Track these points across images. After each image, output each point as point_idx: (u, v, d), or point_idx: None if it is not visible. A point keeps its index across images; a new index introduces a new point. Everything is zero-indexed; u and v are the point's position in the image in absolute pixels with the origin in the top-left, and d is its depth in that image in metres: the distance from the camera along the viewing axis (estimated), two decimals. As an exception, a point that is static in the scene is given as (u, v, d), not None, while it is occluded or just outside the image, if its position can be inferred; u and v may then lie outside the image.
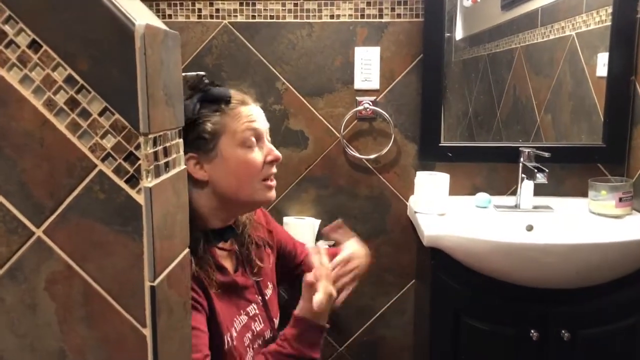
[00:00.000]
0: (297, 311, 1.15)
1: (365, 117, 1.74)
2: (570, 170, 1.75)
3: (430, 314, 1.48)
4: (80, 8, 0.60)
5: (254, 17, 1.70)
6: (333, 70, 1.72)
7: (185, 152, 1.08)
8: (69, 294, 0.64)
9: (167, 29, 0.69)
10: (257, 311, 1.23)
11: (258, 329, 1.22)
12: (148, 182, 0.63)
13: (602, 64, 1.74)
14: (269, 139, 1.17)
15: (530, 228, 1.60)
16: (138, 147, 0.62)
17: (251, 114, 1.12)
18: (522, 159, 1.64)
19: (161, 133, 0.66)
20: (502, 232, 1.55)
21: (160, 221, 0.65)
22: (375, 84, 1.72)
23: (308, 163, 1.76)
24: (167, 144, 0.69)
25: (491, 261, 1.41)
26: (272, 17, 1.70)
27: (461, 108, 1.86)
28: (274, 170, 1.16)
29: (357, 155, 1.75)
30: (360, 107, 1.72)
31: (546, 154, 1.58)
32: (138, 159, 0.62)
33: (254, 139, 1.11)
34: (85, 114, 0.62)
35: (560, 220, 1.60)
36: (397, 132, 1.74)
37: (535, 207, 1.65)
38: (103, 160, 0.62)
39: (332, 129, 1.74)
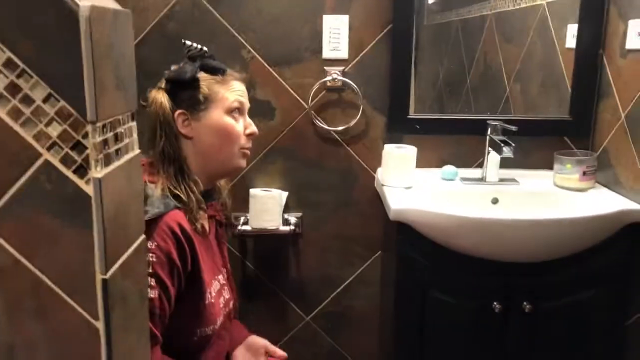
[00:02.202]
0: None
1: (334, 87, 1.70)
2: (537, 142, 1.76)
3: (396, 287, 1.50)
4: (16, -14, 0.55)
5: (218, -19, 1.63)
6: (301, 39, 1.67)
7: (178, 108, 1.19)
8: (17, 287, 0.61)
9: (116, 7, 0.64)
10: (224, 281, 1.31)
11: (227, 296, 1.31)
12: (97, 172, 0.60)
13: (571, 36, 1.73)
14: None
15: (495, 201, 1.61)
16: (86, 135, 0.59)
17: (241, 90, 1.27)
18: (489, 132, 1.64)
19: (111, 119, 0.63)
20: (468, 207, 1.56)
21: (111, 212, 0.63)
22: (344, 54, 1.68)
23: (275, 134, 1.73)
24: (119, 130, 0.66)
25: (456, 236, 1.42)
26: (237, -18, 1.63)
27: (431, 77, 1.84)
28: (250, 144, 1.30)
29: (325, 127, 1.72)
30: (328, 78, 1.68)
31: (513, 128, 1.58)
32: (86, 148, 0.59)
33: (238, 111, 1.25)
34: (27, 100, 0.58)
35: (525, 193, 1.62)
36: (366, 103, 1.72)
37: (501, 180, 1.66)
38: (49, 149, 0.59)
39: (300, 100, 1.71)
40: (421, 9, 1.73)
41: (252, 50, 1.67)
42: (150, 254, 1.07)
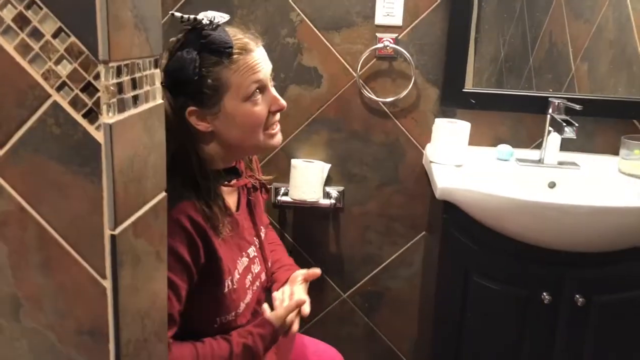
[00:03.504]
0: (268, 315, 1.13)
1: (385, 55, 1.61)
2: (603, 125, 1.63)
3: (439, 270, 1.42)
4: None
5: (270, -61, 1.56)
6: (353, 3, 1.59)
7: (187, 106, 1.04)
8: (22, 237, 0.58)
9: (139, -64, 0.59)
10: (255, 253, 1.23)
11: (256, 271, 1.22)
12: (109, 117, 0.55)
13: (650, 10, 1.58)
14: (273, 82, 1.11)
15: (552, 185, 1.50)
16: (97, 76, 0.54)
17: (255, 64, 1.05)
18: (550, 111, 1.52)
19: (128, 62, 0.58)
20: (522, 189, 1.45)
21: (124, 163, 0.58)
22: (397, 20, 1.59)
23: (321, 103, 1.66)
24: (137, 75, 0.60)
25: (507, 219, 1.33)
26: (289, -60, 1.56)
27: (492, 52, 1.72)
28: (277, 117, 1.13)
29: (374, 97, 1.64)
30: (380, 45, 1.59)
31: (577, 107, 1.46)
32: (97, 90, 0.54)
33: (258, 92, 1.07)
34: (36, 34, 0.53)
35: (585, 178, 1.50)
36: (418, 74, 1.62)
37: (560, 163, 1.54)
38: (58, 89, 0.54)
39: (349, 67, 1.63)
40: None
41: (300, 13, 1.60)
42: None
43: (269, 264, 1.29)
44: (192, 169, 1.05)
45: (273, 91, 1.11)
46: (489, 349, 1.43)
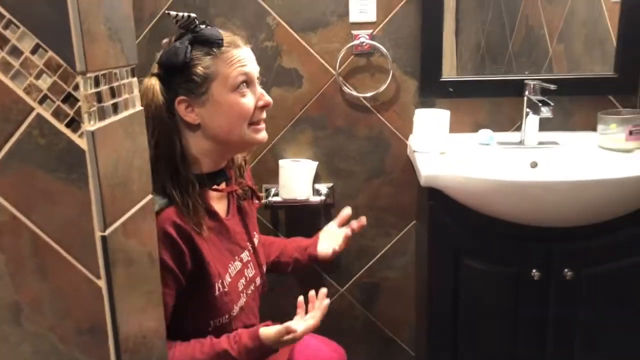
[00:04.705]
0: (262, 331, 1.13)
1: (362, 52, 1.65)
2: (580, 103, 1.66)
3: (429, 255, 1.45)
4: None
5: (240, -53, 1.59)
6: (327, 3, 1.62)
7: (176, 95, 1.09)
8: (17, 245, 0.61)
9: (106, -47, 0.62)
10: (249, 258, 1.26)
11: (250, 275, 1.25)
12: (90, 125, 0.58)
13: (618, -12, 1.62)
14: (260, 85, 1.17)
15: (534, 165, 1.54)
16: (77, 87, 0.57)
17: (243, 58, 1.11)
18: (526, 93, 1.56)
19: (105, 71, 0.61)
20: (503, 170, 1.49)
21: (109, 167, 0.61)
22: (371, 16, 1.62)
23: (303, 103, 1.69)
24: (115, 84, 0.63)
25: (491, 200, 1.36)
26: (260, -54, 1.59)
27: (472, 39, 1.76)
28: (264, 115, 1.17)
29: (354, 93, 1.67)
30: (356, 42, 1.63)
31: (552, 87, 1.50)
32: (77, 100, 0.57)
33: (245, 84, 1.11)
34: (16, 52, 0.57)
35: (566, 156, 1.53)
36: (396, 67, 1.66)
37: (540, 143, 1.58)
38: (40, 102, 0.58)
39: (328, 66, 1.66)
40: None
41: (277, 17, 1.63)
42: None
43: (264, 269, 1.32)
44: (176, 166, 1.07)
45: (260, 88, 1.15)
46: (484, 328, 1.46)
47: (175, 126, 1.10)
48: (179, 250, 1.06)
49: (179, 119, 1.10)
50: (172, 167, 1.07)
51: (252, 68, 1.13)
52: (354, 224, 1.49)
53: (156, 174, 1.03)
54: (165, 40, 1.13)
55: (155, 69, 1.11)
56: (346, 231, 1.47)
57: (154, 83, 1.08)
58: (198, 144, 1.12)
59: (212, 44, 1.08)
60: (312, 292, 1.26)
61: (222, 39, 1.09)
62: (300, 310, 1.24)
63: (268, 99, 1.15)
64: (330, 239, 1.46)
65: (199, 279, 1.10)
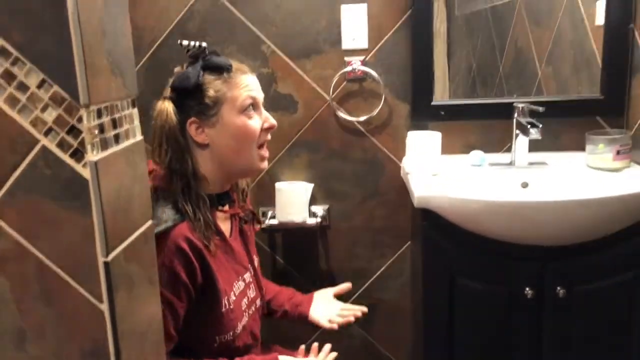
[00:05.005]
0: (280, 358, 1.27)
1: (355, 78, 1.69)
2: (568, 124, 1.70)
3: (423, 276, 1.47)
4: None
5: (235, -22, 1.65)
6: (319, 31, 1.67)
7: (188, 117, 1.15)
8: (22, 271, 0.63)
9: (109, -7, 0.65)
10: (251, 279, 1.30)
11: (252, 295, 1.29)
12: (93, 155, 0.61)
13: (601, 12, 1.67)
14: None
15: (525, 185, 1.57)
16: (80, 119, 0.60)
17: (250, 83, 1.19)
18: (515, 115, 1.60)
19: (107, 104, 0.64)
20: (494, 191, 1.52)
21: (111, 195, 0.64)
22: (363, 43, 1.67)
23: (298, 127, 1.73)
24: (117, 115, 0.66)
25: (483, 220, 1.39)
26: (254, -23, 1.64)
27: (464, 63, 1.81)
28: (269, 137, 1.24)
29: (348, 117, 1.71)
30: (349, 68, 1.67)
31: (540, 109, 1.54)
32: (81, 132, 0.60)
33: (252, 107, 1.18)
34: (23, 87, 0.59)
35: (556, 176, 1.57)
36: (388, 92, 1.70)
37: (530, 164, 1.62)
38: (46, 134, 0.60)
39: (322, 92, 1.70)
40: (450, 0, 1.71)
41: (271, 45, 1.68)
42: None
43: (264, 291, 1.36)
44: (188, 182, 1.13)
45: (265, 112, 1.24)
46: (480, 347, 1.47)
47: (187, 145, 1.16)
48: (191, 264, 1.10)
49: (190, 139, 1.16)
50: (184, 183, 1.13)
51: (258, 92, 1.21)
52: (359, 312, 1.49)
53: (170, 189, 1.11)
54: (177, 68, 1.19)
55: (167, 92, 1.17)
56: (347, 311, 1.48)
57: (167, 106, 1.14)
58: (207, 164, 1.17)
59: (222, 69, 1.15)
60: (314, 345, 1.38)
61: (231, 65, 1.17)
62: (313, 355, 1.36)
63: (273, 121, 1.24)
64: (325, 307, 1.46)
65: (208, 293, 1.15)
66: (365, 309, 1.49)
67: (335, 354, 1.36)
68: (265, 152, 1.23)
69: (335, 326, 1.42)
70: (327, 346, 1.37)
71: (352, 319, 1.45)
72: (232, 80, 1.16)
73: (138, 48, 1.66)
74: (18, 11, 0.57)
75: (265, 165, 1.24)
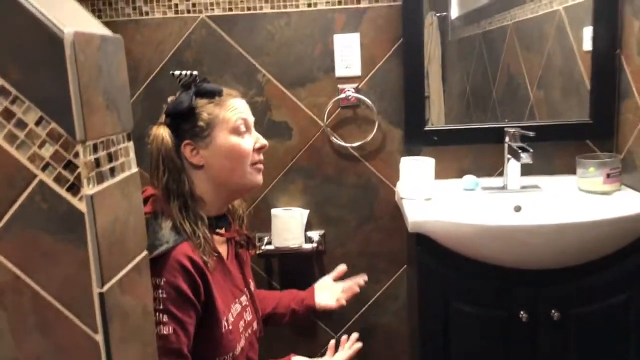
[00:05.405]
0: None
1: (349, 104, 1.72)
2: (559, 148, 1.73)
3: (419, 300, 1.48)
4: (4, 17, 0.59)
5: (230, 9, 1.68)
6: (313, 59, 1.70)
7: (183, 140, 1.19)
8: (19, 303, 0.64)
9: (105, 32, 0.68)
10: (247, 302, 1.31)
11: (249, 318, 1.30)
12: (89, 189, 0.63)
13: (588, 38, 1.71)
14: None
15: (518, 209, 1.59)
16: (77, 155, 0.62)
17: (239, 106, 1.24)
18: (507, 139, 1.62)
19: (103, 139, 0.66)
20: (487, 215, 1.54)
21: (106, 227, 0.65)
22: (356, 71, 1.70)
23: (293, 154, 1.75)
24: (112, 149, 0.68)
25: (477, 245, 1.40)
26: (249, 8, 1.68)
27: (458, 88, 1.84)
28: (261, 157, 1.28)
29: (342, 143, 1.74)
30: (342, 95, 1.70)
31: (530, 133, 1.56)
32: (77, 166, 0.62)
33: (244, 128, 1.23)
34: (21, 124, 0.62)
35: (548, 199, 1.59)
36: (381, 118, 1.73)
37: (523, 187, 1.64)
38: (43, 169, 0.62)
39: (316, 119, 1.73)
40: (445, 22, 1.75)
41: (266, 73, 1.71)
42: (160, 290, 1.07)
43: (260, 315, 1.37)
44: (186, 201, 1.16)
45: (256, 133, 1.28)
46: (476, 371, 1.48)
47: (183, 166, 1.19)
48: (195, 281, 1.12)
49: (186, 161, 1.20)
50: (182, 202, 1.16)
51: (249, 115, 1.26)
52: (360, 280, 1.57)
53: (168, 210, 1.14)
54: (170, 98, 1.23)
55: (162, 119, 1.21)
56: (348, 285, 1.56)
57: (162, 131, 1.18)
58: (203, 184, 1.21)
59: (213, 94, 1.21)
60: (344, 337, 1.49)
61: (222, 90, 1.23)
62: (330, 352, 1.45)
63: (264, 141, 1.28)
64: (329, 291, 1.52)
65: (209, 313, 1.16)
66: (365, 276, 1.59)
67: (361, 344, 1.47)
68: (259, 165, 1.27)
69: (343, 302, 1.51)
70: (354, 335, 1.49)
71: (356, 288, 1.55)
72: (223, 104, 1.21)
73: (135, 78, 1.70)
74: (17, 51, 0.60)
75: (260, 178, 1.27)
